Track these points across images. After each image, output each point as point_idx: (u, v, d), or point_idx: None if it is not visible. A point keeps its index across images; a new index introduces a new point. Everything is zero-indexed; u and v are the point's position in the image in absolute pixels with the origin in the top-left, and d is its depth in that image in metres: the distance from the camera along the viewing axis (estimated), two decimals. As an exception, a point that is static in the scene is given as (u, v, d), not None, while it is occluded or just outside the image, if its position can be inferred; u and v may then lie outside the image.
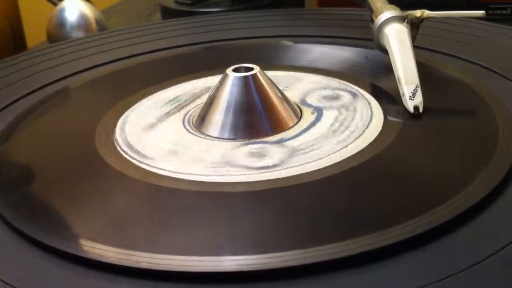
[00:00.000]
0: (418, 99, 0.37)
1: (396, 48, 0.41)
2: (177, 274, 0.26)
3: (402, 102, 0.38)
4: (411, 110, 0.37)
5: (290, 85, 0.43)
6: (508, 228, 0.27)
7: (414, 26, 0.43)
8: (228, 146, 0.36)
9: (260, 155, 0.35)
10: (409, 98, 0.37)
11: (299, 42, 0.51)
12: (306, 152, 0.35)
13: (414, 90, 0.38)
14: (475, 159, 0.33)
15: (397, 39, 0.41)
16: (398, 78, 0.39)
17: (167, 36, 0.57)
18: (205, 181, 0.33)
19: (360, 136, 0.36)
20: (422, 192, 0.31)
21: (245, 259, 0.27)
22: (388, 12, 0.43)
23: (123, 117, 0.41)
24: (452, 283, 0.25)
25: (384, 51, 0.43)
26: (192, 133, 0.38)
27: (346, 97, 0.41)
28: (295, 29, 0.55)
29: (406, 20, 0.42)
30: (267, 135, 0.37)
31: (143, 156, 0.36)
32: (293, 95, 0.42)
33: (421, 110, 0.37)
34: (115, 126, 0.40)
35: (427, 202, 0.29)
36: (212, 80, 0.43)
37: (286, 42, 0.52)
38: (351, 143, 0.35)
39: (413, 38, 0.42)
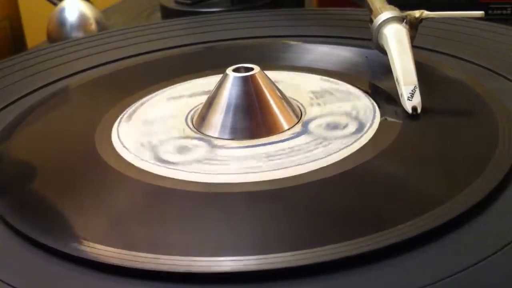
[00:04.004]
0: (417, 100, 0.37)
1: (394, 49, 0.41)
2: (177, 275, 0.26)
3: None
4: (409, 110, 0.37)
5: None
6: (508, 228, 0.27)
7: (413, 27, 0.42)
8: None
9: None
10: (408, 99, 0.37)
11: (299, 42, 0.51)
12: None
13: (412, 91, 0.38)
14: (475, 159, 0.33)
15: (395, 40, 0.41)
16: (397, 79, 0.39)
17: (167, 36, 0.57)
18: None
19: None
20: (422, 192, 0.31)
21: (245, 259, 0.27)
22: (387, 13, 0.43)
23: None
24: (453, 283, 0.25)
25: (383, 51, 0.43)
26: (193, 134, 0.38)
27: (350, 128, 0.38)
28: (295, 29, 0.55)
29: (405, 21, 0.42)
30: (267, 135, 0.37)
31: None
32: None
33: (419, 110, 0.37)
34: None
35: (426, 202, 0.29)
36: (212, 80, 0.43)
37: (285, 42, 0.52)
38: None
39: (412, 39, 0.42)
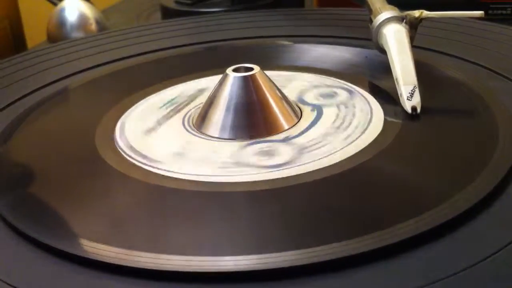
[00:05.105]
0: (416, 100, 0.37)
1: (394, 49, 0.41)
2: (177, 274, 0.26)
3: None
4: (409, 110, 0.37)
5: (286, 84, 0.43)
6: (508, 229, 0.27)
7: (413, 27, 0.42)
8: (235, 146, 0.36)
9: (269, 153, 0.35)
10: (407, 99, 0.37)
11: (298, 42, 0.51)
12: (316, 148, 0.35)
13: (412, 91, 0.38)
14: (475, 160, 0.33)
15: (395, 40, 0.41)
16: (396, 79, 0.39)
17: (167, 36, 0.57)
18: (209, 181, 0.33)
19: (365, 130, 0.36)
20: (421, 192, 0.31)
21: (245, 259, 0.27)
22: (387, 13, 0.43)
23: (123, 117, 0.41)
24: (452, 283, 0.25)
25: (383, 51, 0.43)
26: (193, 134, 0.38)
27: (343, 95, 0.41)
28: (295, 29, 0.55)
29: (404, 21, 0.42)
30: (267, 135, 0.37)
31: (146, 157, 0.36)
32: (290, 95, 0.41)
33: (418, 110, 0.37)
34: (115, 126, 0.40)
35: (426, 202, 0.29)
36: (212, 80, 0.43)
37: (285, 42, 0.52)
38: (357, 138, 0.36)
39: (412, 39, 0.42)
